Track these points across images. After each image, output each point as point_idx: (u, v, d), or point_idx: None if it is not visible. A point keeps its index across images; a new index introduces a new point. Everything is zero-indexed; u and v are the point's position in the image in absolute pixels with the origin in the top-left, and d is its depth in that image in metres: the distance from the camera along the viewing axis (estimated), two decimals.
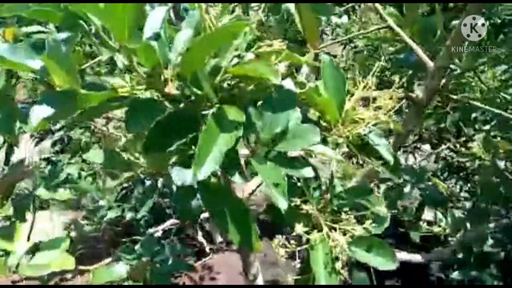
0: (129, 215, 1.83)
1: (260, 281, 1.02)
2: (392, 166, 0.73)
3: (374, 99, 0.76)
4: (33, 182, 1.32)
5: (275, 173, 0.52)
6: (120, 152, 0.64)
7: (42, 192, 1.19)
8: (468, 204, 2.36)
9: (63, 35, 0.44)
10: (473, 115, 2.06)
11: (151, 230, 1.62)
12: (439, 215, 2.15)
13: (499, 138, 1.91)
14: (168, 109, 0.50)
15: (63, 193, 1.22)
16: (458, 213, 2.26)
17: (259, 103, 0.62)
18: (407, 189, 1.99)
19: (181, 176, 0.59)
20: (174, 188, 0.65)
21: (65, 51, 0.42)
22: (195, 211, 0.71)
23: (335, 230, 0.77)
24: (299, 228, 0.74)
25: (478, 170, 2.03)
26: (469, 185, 2.38)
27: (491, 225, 1.49)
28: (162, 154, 0.52)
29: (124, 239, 2.63)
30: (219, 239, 2.99)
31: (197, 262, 2.80)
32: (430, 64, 1.05)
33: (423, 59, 1.06)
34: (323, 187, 0.81)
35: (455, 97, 1.21)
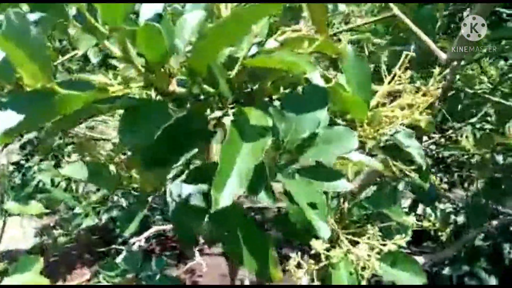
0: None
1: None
2: (424, 171, 0.64)
3: (399, 94, 0.67)
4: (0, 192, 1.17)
5: (309, 190, 0.41)
6: (106, 164, 0.52)
7: (11, 205, 1.05)
8: (454, 197, 2.33)
9: (35, 15, 0.32)
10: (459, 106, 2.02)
11: (133, 240, 1.49)
12: (428, 210, 2.12)
13: (486, 131, 1.87)
14: (172, 113, 0.38)
15: (35, 207, 1.08)
16: (447, 208, 2.23)
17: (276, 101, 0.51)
18: (401, 186, 1.94)
19: (183, 190, 0.48)
20: (170, 201, 0.54)
21: (37, 36, 0.30)
22: (198, 231, 0.59)
23: (357, 244, 0.67)
24: (317, 245, 0.64)
25: (469, 163, 1.99)
26: (457, 178, 2.34)
27: (494, 222, 1.44)
28: (164, 170, 0.41)
29: (101, 249, 2.48)
30: (201, 240, 2.86)
31: (178, 265, 2.67)
32: (443, 56, 0.97)
33: (434, 50, 0.98)
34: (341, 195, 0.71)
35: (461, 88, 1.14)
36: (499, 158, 1.56)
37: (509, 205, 1.62)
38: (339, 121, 0.64)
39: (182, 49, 0.38)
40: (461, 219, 2.14)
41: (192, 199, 0.47)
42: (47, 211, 1.10)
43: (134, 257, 1.31)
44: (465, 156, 2.01)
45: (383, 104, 0.63)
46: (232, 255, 0.51)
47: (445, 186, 2.38)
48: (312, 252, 0.66)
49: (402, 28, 1.59)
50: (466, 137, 1.97)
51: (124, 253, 1.40)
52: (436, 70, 0.59)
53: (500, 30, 1.44)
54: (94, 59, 1.47)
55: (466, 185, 2.24)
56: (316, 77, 0.46)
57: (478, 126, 1.93)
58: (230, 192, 0.33)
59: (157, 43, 0.33)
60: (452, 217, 2.17)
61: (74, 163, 0.57)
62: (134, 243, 1.59)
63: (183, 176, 0.53)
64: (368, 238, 0.66)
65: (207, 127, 0.42)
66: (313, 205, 0.40)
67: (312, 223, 0.39)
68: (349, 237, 0.68)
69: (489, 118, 1.88)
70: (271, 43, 0.44)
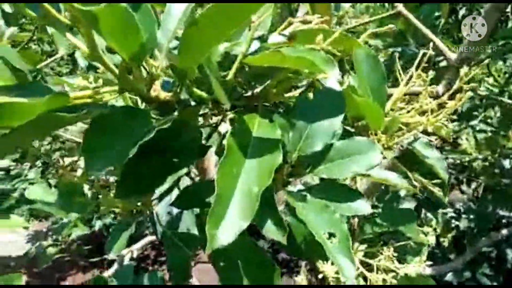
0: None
1: None
2: (445, 185, 0.56)
3: (410, 99, 0.60)
4: None
5: (326, 216, 0.33)
6: (79, 184, 0.43)
7: None
8: (459, 204, 2.27)
9: None
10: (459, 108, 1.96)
11: (124, 252, 1.40)
12: (429, 215, 2.05)
13: (486, 134, 1.81)
14: (154, 124, 0.30)
15: (15, 221, 0.99)
16: (449, 212, 2.17)
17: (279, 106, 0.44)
18: (402, 192, 1.87)
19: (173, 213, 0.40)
20: (157, 226, 0.46)
21: None
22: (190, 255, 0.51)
23: (368, 266, 0.60)
24: (327, 270, 0.57)
25: (471, 167, 1.94)
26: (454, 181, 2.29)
27: (504, 231, 1.37)
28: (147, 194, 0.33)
29: (93, 259, 2.38)
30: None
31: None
32: (452, 56, 0.90)
33: (443, 50, 0.91)
34: None
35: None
36: (506, 163, 1.50)
37: None
38: (348, 128, 0.57)
39: (166, 44, 0.30)
40: (462, 224, 2.08)
41: (182, 224, 0.39)
42: (28, 225, 1.02)
43: (125, 272, 1.22)
44: (467, 159, 1.95)
45: (400, 109, 0.55)
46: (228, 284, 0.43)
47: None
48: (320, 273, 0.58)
49: (402, 29, 1.53)
50: (467, 139, 1.91)
51: (115, 266, 1.31)
52: (464, 72, 0.51)
53: (501, 31, 1.38)
54: (83, 63, 1.37)
55: (465, 188, 2.18)
56: (333, 78, 0.38)
57: (478, 128, 1.88)
58: (230, 227, 0.25)
59: (129, 32, 0.25)
60: (453, 221, 2.11)
61: (40, 184, 0.49)
62: (126, 254, 1.50)
63: (173, 194, 0.45)
64: (383, 259, 0.59)
65: (199, 140, 0.34)
66: (332, 235, 0.32)
67: (333, 260, 0.31)
68: (361, 257, 0.60)
69: (489, 120, 1.82)
70: (275, 38, 0.36)
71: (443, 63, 1.40)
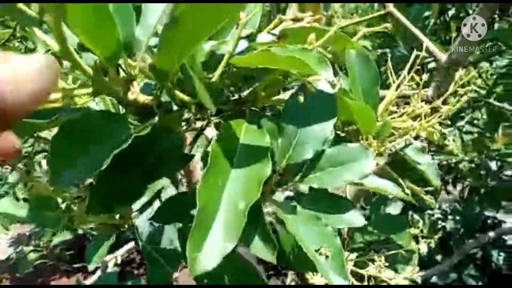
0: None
1: None
2: (435, 190, 0.55)
3: (403, 101, 0.58)
4: None
5: (318, 230, 0.31)
6: (52, 197, 0.39)
7: None
8: (445, 205, 2.28)
9: None
10: None
11: (106, 258, 1.36)
12: (416, 217, 2.05)
13: (472, 135, 1.82)
14: (132, 131, 0.27)
15: None
16: (435, 213, 2.17)
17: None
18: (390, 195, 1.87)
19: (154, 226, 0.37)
20: (138, 240, 0.44)
21: None
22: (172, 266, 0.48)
23: (356, 275, 0.58)
24: (315, 280, 0.54)
25: (457, 168, 1.94)
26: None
27: (491, 233, 1.37)
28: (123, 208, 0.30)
29: (76, 264, 2.31)
30: None
31: None
32: (443, 58, 0.89)
33: (433, 52, 0.90)
34: None
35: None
36: (492, 164, 1.50)
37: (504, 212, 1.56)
38: (338, 133, 0.55)
39: (145, 41, 0.27)
40: (449, 225, 2.09)
41: (164, 237, 0.37)
42: (7, 231, 0.97)
43: (109, 279, 1.18)
44: (453, 160, 1.95)
45: (391, 113, 0.53)
46: None
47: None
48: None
49: (391, 30, 1.52)
50: (454, 140, 1.92)
51: (98, 273, 1.27)
52: (459, 76, 0.49)
53: (489, 33, 1.39)
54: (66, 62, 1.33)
55: (451, 188, 2.19)
56: (327, 80, 0.36)
57: (464, 130, 1.88)
58: (214, 249, 0.23)
59: (103, 26, 0.22)
60: (440, 222, 2.12)
61: (7, 198, 0.45)
62: (109, 260, 1.45)
63: (155, 205, 0.42)
64: (374, 269, 0.57)
65: (181, 147, 0.31)
66: (321, 253, 0.30)
67: (326, 277, 0.28)
68: (351, 267, 0.58)
69: (475, 122, 1.83)
70: (264, 37, 0.34)
71: (432, 65, 1.40)
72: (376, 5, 1.56)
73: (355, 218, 0.36)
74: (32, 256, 2.04)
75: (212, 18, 0.23)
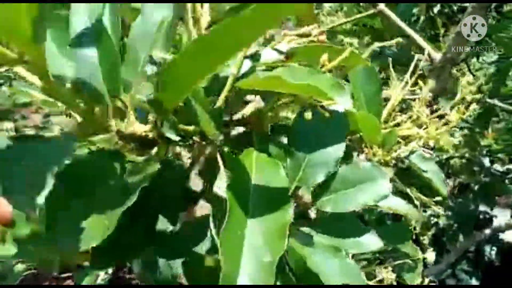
0: None
1: None
2: (443, 199, 0.53)
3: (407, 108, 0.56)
4: None
5: (338, 262, 0.29)
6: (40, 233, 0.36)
7: None
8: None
9: None
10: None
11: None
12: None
13: (462, 132, 1.83)
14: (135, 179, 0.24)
15: None
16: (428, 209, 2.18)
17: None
18: None
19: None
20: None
21: None
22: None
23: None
24: None
25: (449, 164, 1.95)
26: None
27: (487, 231, 1.37)
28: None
29: (66, 274, 2.25)
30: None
31: None
32: (436, 57, 0.87)
33: (428, 51, 0.88)
34: None
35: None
36: (485, 160, 1.50)
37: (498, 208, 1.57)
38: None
39: (133, 80, 0.24)
40: (442, 221, 2.10)
41: (162, 276, 0.34)
42: None
43: None
44: (445, 157, 1.96)
45: (395, 118, 0.51)
46: None
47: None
48: None
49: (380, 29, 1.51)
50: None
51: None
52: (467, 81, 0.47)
53: None
54: None
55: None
56: (343, 104, 0.33)
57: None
58: None
59: (88, 83, 0.19)
60: (433, 219, 2.13)
61: None
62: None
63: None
64: (381, 281, 0.55)
65: (184, 184, 0.28)
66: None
67: None
68: None
69: (467, 118, 1.83)
70: (268, 54, 0.31)
71: (423, 63, 1.39)
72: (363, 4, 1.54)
73: (372, 241, 0.34)
74: (19, 267, 1.98)
75: (225, 50, 0.20)
